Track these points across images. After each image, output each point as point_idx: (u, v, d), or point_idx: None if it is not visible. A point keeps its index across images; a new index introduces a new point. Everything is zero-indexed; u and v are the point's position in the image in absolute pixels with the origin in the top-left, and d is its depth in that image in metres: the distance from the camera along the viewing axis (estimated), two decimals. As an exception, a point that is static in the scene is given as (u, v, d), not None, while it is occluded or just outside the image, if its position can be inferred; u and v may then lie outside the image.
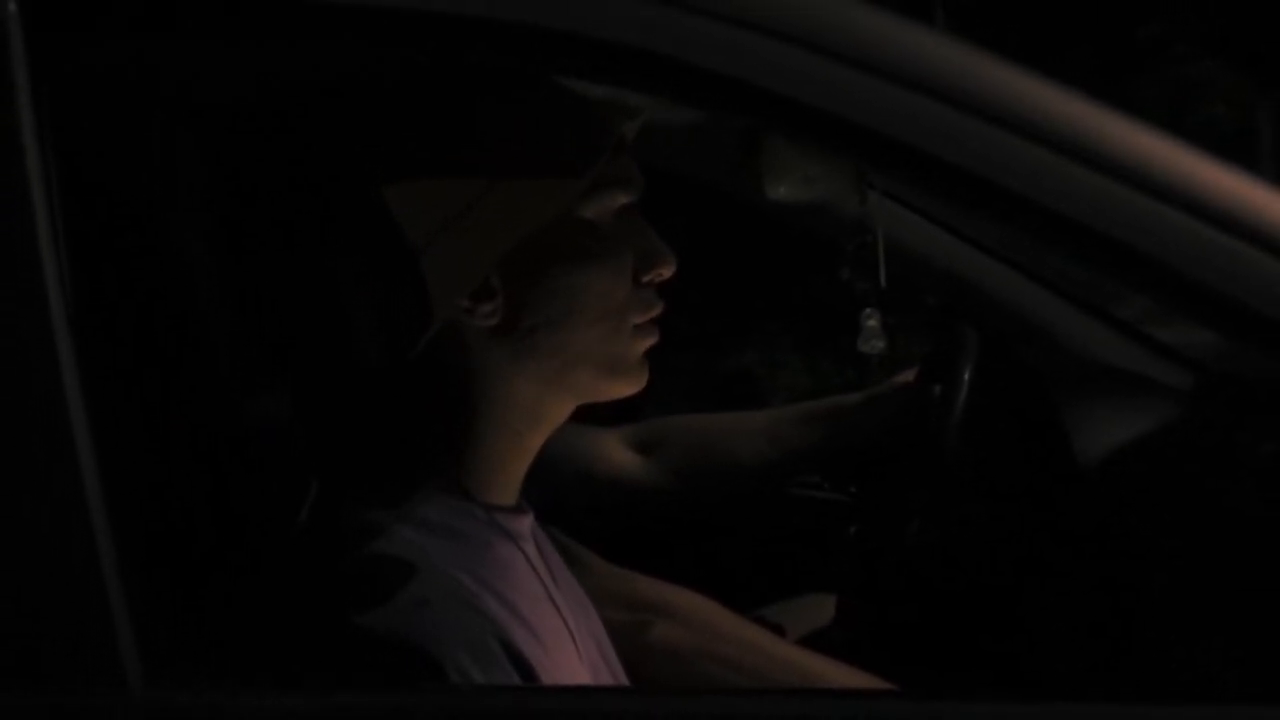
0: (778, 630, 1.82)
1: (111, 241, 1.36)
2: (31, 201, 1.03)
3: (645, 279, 1.25)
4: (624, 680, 1.38)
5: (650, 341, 1.27)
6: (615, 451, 1.98)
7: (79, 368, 1.03)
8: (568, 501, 1.63)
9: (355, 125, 1.20)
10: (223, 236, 1.32)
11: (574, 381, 1.24)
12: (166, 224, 1.47)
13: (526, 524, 1.28)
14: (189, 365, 1.47)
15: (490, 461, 1.24)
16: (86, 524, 1.02)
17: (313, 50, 1.23)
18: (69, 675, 1.02)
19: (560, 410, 1.27)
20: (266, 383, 1.34)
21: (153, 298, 1.44)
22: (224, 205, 1.30)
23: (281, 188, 1.22)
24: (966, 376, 1.83)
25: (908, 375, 2.02)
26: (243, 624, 1.19)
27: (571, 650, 1.24)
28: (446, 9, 1.06)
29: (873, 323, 1.83)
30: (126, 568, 1.03)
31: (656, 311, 1.27)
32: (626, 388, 1.27)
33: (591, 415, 1.36)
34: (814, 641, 1.83)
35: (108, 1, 1.07)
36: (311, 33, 1.10)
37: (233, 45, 1.23)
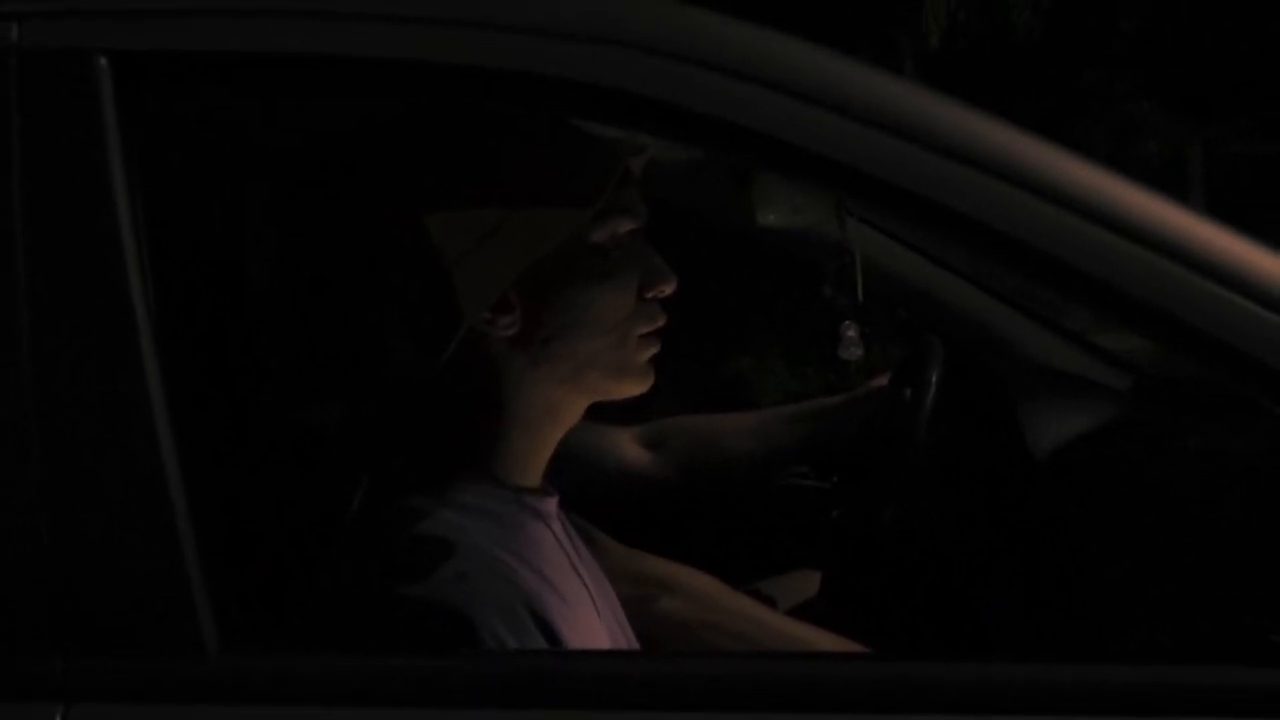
0: (769, 602, 1.83)
1: (190, 267, 1.37)
2: (120, 235, 1.04)
3: (649, 295, 1.26)
4: (637, 645, 1.39)
5: (653, 350, 1.27)
6: (627, 447, 1.99)
7: (162, 375, 1.04)
8: (585, 490, 1.63)
9: (396, 164, 1.21)
10: (287, 262, 1.32)
11: (585, 384, 1.25)
12: (239, 251, 1.48)
13: (552, 505, 1.29)
14: (260, 372, 1.48)
15: (516, 453, 1.25)
16: (169, 509, 1.02)
17: (361, 100, 1.25)
18: (153, 642, 1.03)
19: (574, 408, 1.28)
20: (324, 386, 1.35)
21: (227, 314, 1.45)
22: (287, 234, 1.31)
23: (335, 220, 1.24)
24: (934, 380, 1.84)
25: (882, 379, 2.02)
26: (307, 596, 1.20)
27: (594, 615, 1.25)
28: (484, 64, 1.07)
29: (851, 333, 1.84)
30: (204, 547, 1.03)
31: (660, 324, 1.27)
32: (632, 389, 1.28)
33: (606, 415, 1.37)
34: (801, 612, 1.83)
35: (188, 58, 1.08)
36: (364, 88, 1.11)
37: (292, 97, 1.24)
